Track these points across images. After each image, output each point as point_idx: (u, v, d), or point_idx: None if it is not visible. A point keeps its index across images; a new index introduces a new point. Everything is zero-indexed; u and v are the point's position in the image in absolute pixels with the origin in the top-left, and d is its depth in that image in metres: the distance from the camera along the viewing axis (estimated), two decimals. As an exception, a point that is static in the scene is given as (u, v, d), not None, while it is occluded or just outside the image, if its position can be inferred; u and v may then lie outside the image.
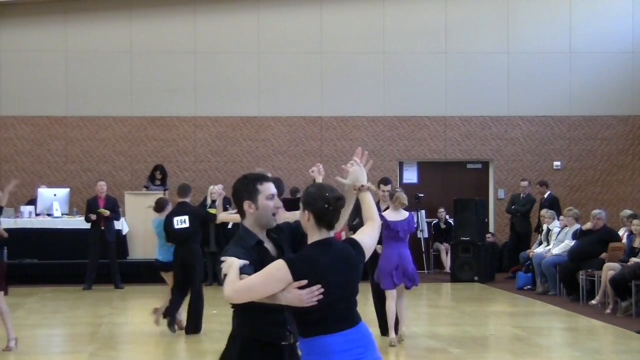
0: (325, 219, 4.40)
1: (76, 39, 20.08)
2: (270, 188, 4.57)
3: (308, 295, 4.25)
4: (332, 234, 4.46)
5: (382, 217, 10.53)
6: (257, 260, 4.41)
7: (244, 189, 4.56)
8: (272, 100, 20.37)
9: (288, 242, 4.66)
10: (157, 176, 18.83)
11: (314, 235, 4.42)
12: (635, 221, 13.98)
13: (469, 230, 18.10)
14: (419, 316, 13.41)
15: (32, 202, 18.33)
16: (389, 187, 11.33)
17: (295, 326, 4.44)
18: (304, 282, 4.25)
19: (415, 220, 19.22)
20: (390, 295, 10.69)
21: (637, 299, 12.97)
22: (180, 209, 11.68)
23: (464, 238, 18.10)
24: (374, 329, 11.04)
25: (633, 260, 13.37)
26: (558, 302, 14.71)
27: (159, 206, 11.94)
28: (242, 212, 4.59)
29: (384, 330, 11.00)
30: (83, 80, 20.05)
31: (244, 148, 20.38)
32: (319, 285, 4.26)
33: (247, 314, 4.53)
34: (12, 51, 20.05)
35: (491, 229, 20.41)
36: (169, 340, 11.26)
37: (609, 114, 20.81)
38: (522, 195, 19.09)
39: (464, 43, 20.58)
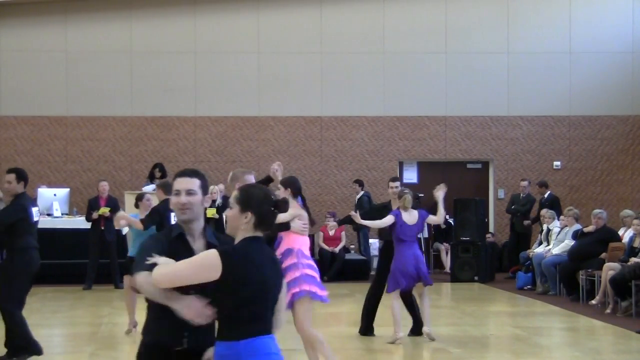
0: (268, 222, 4.24)
1: (76, 39, 20.08)
2: (177, 184, 4.46)
3: (207, 312, 4.12)
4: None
5: (398, 218, 10.67)
6: (169, 252, 4.30)
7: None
8: (272, 100, 20.37)
9: None
10: (157, 174, 18.79)
11: (248, 233, 4.22)
12: (635, 221, 13.99)
13: (469, 230, 18.10)
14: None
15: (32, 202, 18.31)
16: (397, 184, 11.44)
17: (222, 329, 4.14)
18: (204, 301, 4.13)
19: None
20: (396, 295, 10.75)
21: (637, 299, 12.97)
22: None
23: (464, 238, 18.10)
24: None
25: (633, 260, 13.37)
26: (558, 302, 14.70)
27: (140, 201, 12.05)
28: None
29: (367, 330, 11.27)
30: (83, 80, 20.05)
31: (244, 148, 20.38)
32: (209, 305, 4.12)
33: (149, 317, 4.45)
34: (12, 51, 20.05)
35: (491, 229, 20.41)
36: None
37: (609, 114, 20.81)
38: (522, 195, 19.09)
39: (464, 43, 20.58)
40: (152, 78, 20.19)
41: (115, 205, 17.15)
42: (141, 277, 4.24)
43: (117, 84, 20.12)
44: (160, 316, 4.32)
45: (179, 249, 4.36)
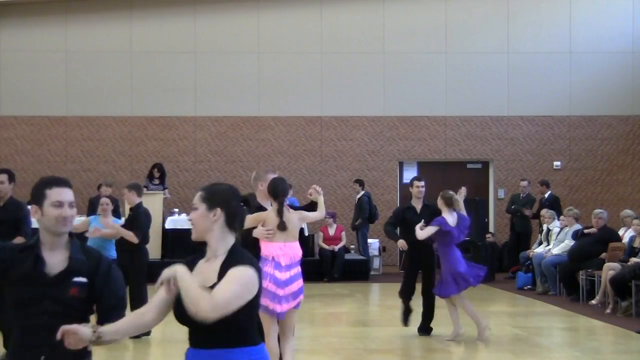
0: (239, 219, 3.99)
1: (76, 39, 20.08)
2: (56, 194, 4.17)
3: None
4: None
5: (443, 224, 10.70)
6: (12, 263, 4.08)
7: None
8: (272, 100, 20.37)
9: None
10: (155, 174, 18.77)
11: (226, 237, 3.97)
12: (635, 221, 13.99)
13: (469, 230, 18.05)
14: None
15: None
16: (422, 183, 11.36)
17: (241, 337, 3.91)
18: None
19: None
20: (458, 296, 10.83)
21: (637, 299, 12.97)
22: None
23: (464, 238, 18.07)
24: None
25: (633, 260, 13.36)
26: (558, 302, 14.70)
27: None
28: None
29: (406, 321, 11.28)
30: (83, 80, 20.06)
31: (244, 148, 20.38)
32: None
33: (12, 339, 4.14)
34: (12, 51, 20.05)
35: (491, 229, 20.41)
36: (169, 340, 11.25)
37: (609, 114, 20.81)
38: (522, 195, 19.09)
39: (464, 43, 20.58)
40: (152, 78, 20.20)
41: (115, 205, 17.13)
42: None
43: (117, 84, 20.13)
44: (19, 336, 4.10)
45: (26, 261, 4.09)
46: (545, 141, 20.78)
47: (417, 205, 11.23)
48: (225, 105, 20.33)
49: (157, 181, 18.73)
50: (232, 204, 3.97)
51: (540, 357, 10.31)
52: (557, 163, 20.78)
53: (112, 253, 11.29)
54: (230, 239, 3.96)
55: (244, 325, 3.90)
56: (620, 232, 15.06)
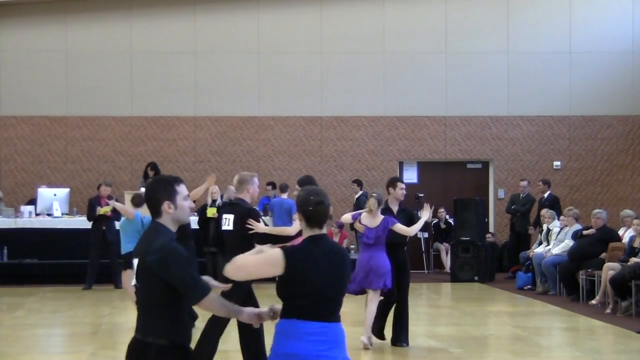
0: (314, 220, 4.78)
1: (76, 39, 20.08)
2: (184, 189, 4.87)
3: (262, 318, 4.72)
4: (324, 230, 4.82)
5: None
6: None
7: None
8: (272, 100, 20.37)
9: None
10: (150, 173, 18.75)
11: (307, 232, 4.80)
12: (635, 221, 13.99)
13: (469, 230, 18.09)
14: (419, 316, 13.40)
15: (32, 202, 18.32)
16: (405, 186, 11.07)
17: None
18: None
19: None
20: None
21: (637, 299, 12.97)
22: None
23: (464, 238, 18.10)
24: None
25: (633, 260, 13.37)
26: (558, 302, 14.70)
27: (138, 201, 12.21)
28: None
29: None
30: (83, 80, 20.05)
31: (244, 148, 20.38)
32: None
33: (164, 319, 4.64)
34: (12, 51, 20.05)
35: (491, 229, 20.41)
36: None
37: (609, 114, 20.81)
38: (521, 195, 19.09)
39: (464, 43, 20.58)
40: (152, 78, 20.20)
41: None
42: (210, 299, 4.56)
43: (117, 84, 20.13)
44: (176, 318, 4.60)
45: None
46: (545, 141, 20.78)
47: (394, 207, 10.81)
48: (225, 105, 20.33)
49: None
50: (305, 209, 4.80)
51: (540, 357, 10.31)
52: (557, 163, 20.78)
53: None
54: (308, 234, 4.79)
55: (285, 299, 4.72)
56: (620, 232, 15.07)
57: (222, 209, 9.07)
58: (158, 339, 4.54)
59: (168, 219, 4.71)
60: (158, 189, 4.75)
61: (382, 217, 10.35)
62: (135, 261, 4.72)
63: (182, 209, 4.72)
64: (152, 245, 4.55)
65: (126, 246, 12.13)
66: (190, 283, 4.49)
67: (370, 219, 10.36)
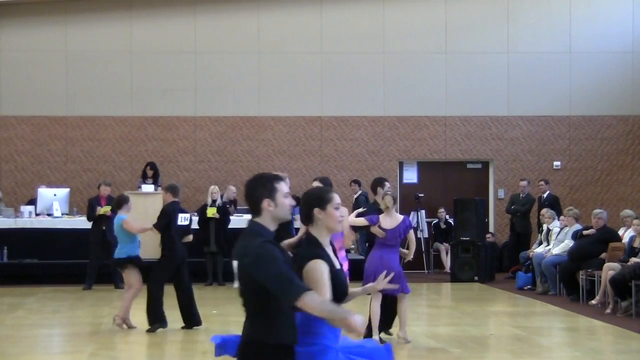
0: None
1: (76, 39, 20.08)
2: (285, 186, 4.88)
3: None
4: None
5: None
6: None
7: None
8: (272, 100, 20.37)
9: None
10: (149, 173, 18.74)
11: (323, 233, 4.88)
12: (635, 221, 13.99)
13: (469, 230, 18.09)
14: (419, 316, 13.41)
15: (32, 202, 18.31)
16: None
17: None
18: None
19: (415, 220, 19.22)
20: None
21: (637, 299, 12.97)
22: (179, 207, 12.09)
23: (464, 238, 18.09)
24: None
25: (633, 260, 13.37)
26: (558, 302, 14.70)
27: (119, 204, 12.23)
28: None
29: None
30: (83, 80, 20.05)
31: (244, 148, 20.38)
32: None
33: (269, 318, 4.65)
34: (12, 51, 20.05)
35: (491, 229, 20.41)
36: (169, 340, 11.26)
37: (609, 114, 20.81)
38: (521, 195, 19.09)
39: (464, 43, 20.58)
40: (152, 78, 20.19)
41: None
42: (309, 298, 4.42)
43: (117, 84, 20.12)
44: (280, 317, 4.54)
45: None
46: (545, 141, 20.78)
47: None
48: (225, 105, 20.33)
49: (150, 180, 18.63)
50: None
51: (540, 357, 10.31)
52: (557, 163, 20.78)
53: (137, 250, 11.90)
54: (324, 234, 4.93)
55: None
56: (620, 232, 15.07)
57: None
58: (264, 338, 4.53)
59: (268, 217, 4.65)
60: (257, 186, 4.69)
61: (401, 217, 10.54)
62: (235, 263, 4.71)
63: (282, 207, 4.66)
64: (248, 247, 4.54)
65: (121, 252, 12.14)
66: (283, 283, 4.41)
67: (389, 220, 10.46)
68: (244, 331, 4.62)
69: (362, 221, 10.57)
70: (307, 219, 4.85)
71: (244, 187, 4.81)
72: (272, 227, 4.67)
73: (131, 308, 11.87)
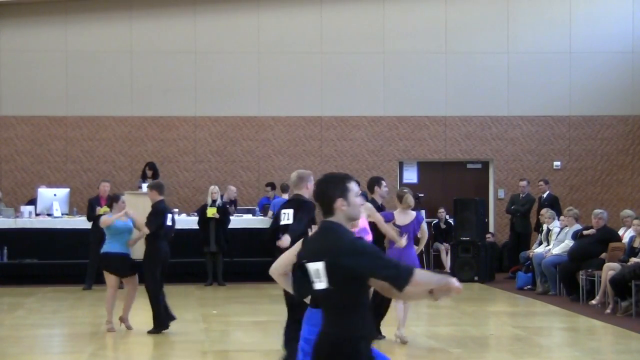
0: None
1: (76, 39, 20.08)
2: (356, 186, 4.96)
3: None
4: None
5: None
6: None
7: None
8: (272, 100, 20.37)
9: None
10: (148, 173, 18.73)
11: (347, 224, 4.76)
12: (635, 221, 13.99)
13: (469, 230, 18.09)
14: (419, 316, 13.41)
15: (32, 202, 18.31)
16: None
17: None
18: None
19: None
20: None
21: (637, 299, 12.97)
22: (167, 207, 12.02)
23: (464, 238, 18.09)
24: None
25: (633, 260, 13.37)
26: (558, 302, 14.70)
27: (110, 203, 12.20)
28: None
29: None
30: (83, 80, 20.05)
31: (244, 148, 20.38)
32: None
33: (354, 314, 4.66)
34: (12, 51, 20.05)
35: (491, 229, 20.41)
36: (169, 340, 11.26)
37: (609, 114, 20.81)
38: (521, 195, 19.09)
39: (464, 43, 20.58)
40: (152, 78, 20.19)
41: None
42: (419, 274, 4.48)
43: (117, 84, 20.13)
44: (365, 312, 4.58)
45: None
46: (545, 141, 20.78)
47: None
48: (225, 105, 20.33)
49: (150, 180, 18.60)
50: None
51: (540, 357, 10.31)
52: (557, 163, 20.79)
53: (115, 247, 11.59)
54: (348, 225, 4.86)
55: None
56: (620, 232, 15.07)
57: (281, 206, 9.38)
58: (350, 333, 4.54)
59: (341, 216, 4.66)
60: (330, 186, 4.70)
61: (414, 213, 10.77)
62: (311, 264, 4.59)
63: (354, 206, 4.69)
64: (339, 245, 4.53)
65: (108, 247, 11.94)
66: (392, 269, 4.46)
67: (403, 217, 10.67)
68: (328, 328, 4.58)
69: (380, 218, 10.65)
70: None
71: (315, 186, 4.80)
72: (347, 226, 4.69)
73: (115, 308, 11.76)
